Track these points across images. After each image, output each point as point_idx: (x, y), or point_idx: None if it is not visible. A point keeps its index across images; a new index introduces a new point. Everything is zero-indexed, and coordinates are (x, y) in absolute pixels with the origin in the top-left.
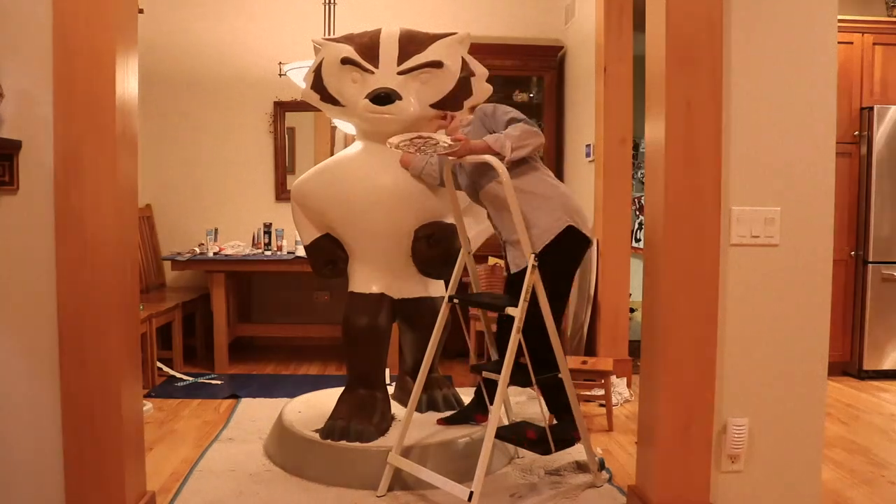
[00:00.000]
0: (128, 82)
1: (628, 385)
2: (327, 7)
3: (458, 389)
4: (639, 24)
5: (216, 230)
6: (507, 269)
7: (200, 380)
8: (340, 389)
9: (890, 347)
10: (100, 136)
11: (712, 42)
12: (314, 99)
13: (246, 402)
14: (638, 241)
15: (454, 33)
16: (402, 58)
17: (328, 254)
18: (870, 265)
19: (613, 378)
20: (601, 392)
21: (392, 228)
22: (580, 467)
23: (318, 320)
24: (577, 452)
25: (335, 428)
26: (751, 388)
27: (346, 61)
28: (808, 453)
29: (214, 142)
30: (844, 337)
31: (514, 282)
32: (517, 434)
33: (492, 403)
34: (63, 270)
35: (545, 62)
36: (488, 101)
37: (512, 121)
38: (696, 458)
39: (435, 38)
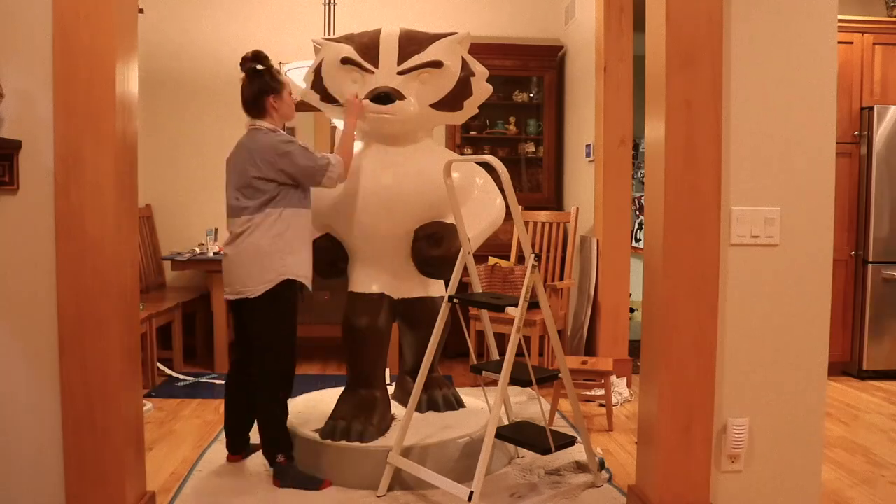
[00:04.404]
0: (128, 82)
1: (628, 385)
2: (327, 7)
3: (458, 389)
4: (639, 24)
5: (216, 230)
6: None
7: (201, 380)
8: (340, 389)
9: (890, 347)
10: (100, 136)
11: (712, 42)
12: (314, 99)
13: None
14: (638, 241)
15: (454, 33)
16: (402, 58)
17: (328, 254)
18: (870, 265)
19: (613, 378)
20: (601, 392)
21: (392, 228)
22: (580, 467)
23: (318, 320)
24: (577, 452)
25: (335, 428)
26: (751, 388)
27: (346, 61)
28: (808, 453)
29: (214, 142)
30: (844, 337)
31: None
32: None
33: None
34: (63, 270)
35: (545, 62)
36: (488, 100)
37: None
38: (696, 458)
39: (435, 38)
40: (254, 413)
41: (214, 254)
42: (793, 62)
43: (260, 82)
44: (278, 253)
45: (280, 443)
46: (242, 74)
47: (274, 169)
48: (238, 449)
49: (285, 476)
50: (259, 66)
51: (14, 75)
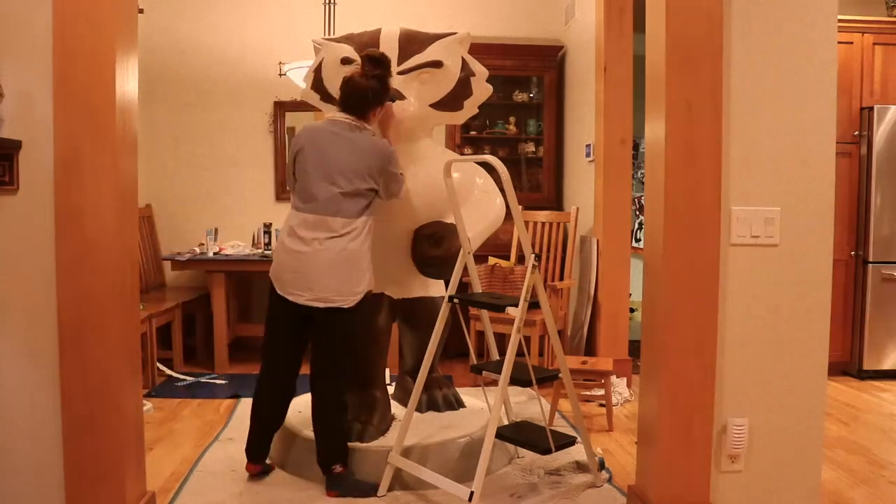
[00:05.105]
0: (128, 82)
1: (628, 385)
2: (327, 7)
3: (458, 389)
4: (639, 24)
5: (216, 230)
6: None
7: (201, 380)
8: None
9: (890, 347)
10: (100, 136)
11: (712, 42)
12: (314, 99)
13: (246, 402)
14: (638, 241)
15: (454, 33)
16: (402, 58)
17: None
18: (870, 265)
19: (613, 378)
20: (601, 392)
21: (392, 228)
22: (580, 467)
23: None
24: (577, 452)
25: None
26: (751, 388)
27: (346, 61)
28: (808, 453)
29: (214, 142)
30: (844, 337)
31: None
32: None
33: None
34: (63, 270)
35: (545, 62)
36: (488, 100)
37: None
38: (696, 458)
39: (435, 38)
40: (280, 421)
41: (214, 254)
42: (793, 62)
43: (376, 88)
44: (367, 262)
45: (341, 452)
46: (350, 67)
47: (379, 175)
48: (262, 457)
49: (342, 484)
50: (382, 73)
51: (14, 75)
